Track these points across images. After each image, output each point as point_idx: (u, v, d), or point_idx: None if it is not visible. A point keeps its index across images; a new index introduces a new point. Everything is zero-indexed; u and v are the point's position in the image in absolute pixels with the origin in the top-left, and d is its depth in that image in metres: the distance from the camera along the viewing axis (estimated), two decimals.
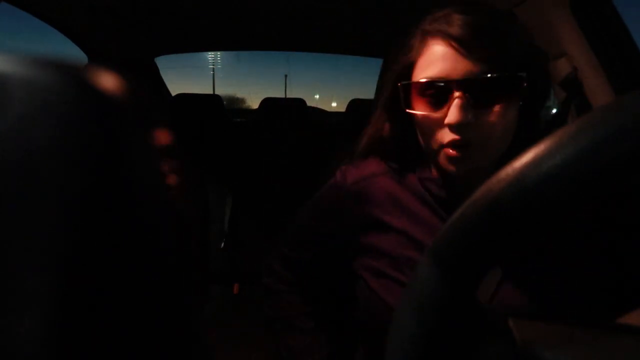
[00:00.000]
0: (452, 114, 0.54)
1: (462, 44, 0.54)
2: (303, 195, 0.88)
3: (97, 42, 1.81)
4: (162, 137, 0.17)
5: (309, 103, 2.48)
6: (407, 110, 0.61)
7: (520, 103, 0.57)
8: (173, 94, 2.45)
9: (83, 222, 0.13)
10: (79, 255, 0.13)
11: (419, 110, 0.59)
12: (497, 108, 0.55)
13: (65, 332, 0.13)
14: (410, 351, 0.28)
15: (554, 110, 1.03)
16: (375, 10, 1.59)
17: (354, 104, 2.27)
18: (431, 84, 0.57)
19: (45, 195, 0.13)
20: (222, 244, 1.98)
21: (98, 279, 0.13)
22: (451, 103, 0.55)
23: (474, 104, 0.55)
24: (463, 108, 0.54)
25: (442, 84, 0.56)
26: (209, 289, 1.92)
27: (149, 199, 0.15)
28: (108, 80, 0.15)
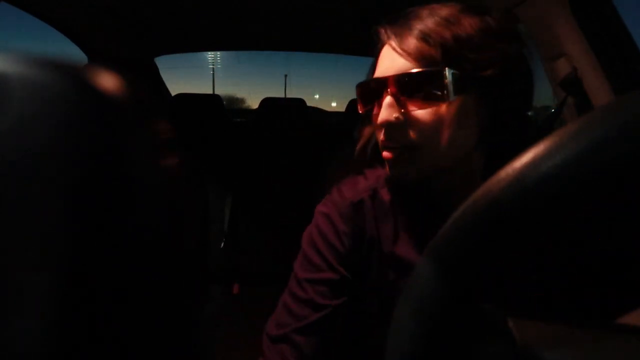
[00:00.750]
0: (379, 113, 0.53)
1: (396, 41, 0.53)
2: (303, 195, 0.87)
3: (97, 42, 1.81)
4: (162, 136, 0.17)
5: (309, 103, 2.47)
6: (360, 112, 0.60)
7: (483, 104, 0.53)
8: (173, 94, 2.45)
9: (83, 221, 0.13)
10: (79, 255, 0.13)
11: (361, 112, 0.59)
12: (430, 107, 0.52)
13: (65, 331, 0.13)
14: (409, 351, 0.28)
15: (554, 110, 1.03)
16: (375, 10, 1.59)
17: (354, 104, 2.27)
18: (367, 83, 0.57)
19: (45, 194, 0.13)
20: (222, 244, 1.98)
21: (98, 279, 0.13)
22: (380, 103, 0.54)
23: (405, 103, 0.52)
24: (390, 106, 0.52)
25: (374, 83, 0.55)
26: (209, 289, 1.92)
27: (149, 198, 0.15)
28: (108, 80, 0.15)
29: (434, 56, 0.51)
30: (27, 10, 1.43)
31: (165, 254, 0.15)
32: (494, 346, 0.27)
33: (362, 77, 0.62)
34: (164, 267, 0.15)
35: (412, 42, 0.52)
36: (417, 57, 0.52)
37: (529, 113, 0.60)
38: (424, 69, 0.51)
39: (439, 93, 0.51)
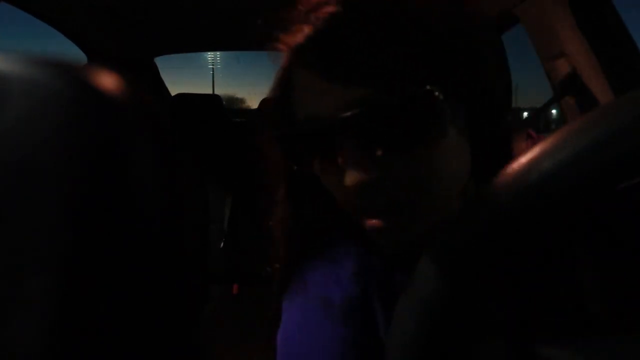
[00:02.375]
0: (347, 174, 0.34)
1: (324, 65, 0.34)
2: None
3: (96, 42, 1.81)
4: (162, 136, 0.17)
5: None
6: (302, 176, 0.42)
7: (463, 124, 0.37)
8: (172, 93, 2.45)
9: (83, 221, 0.13)
10: (79, 255, 0.13)
11: (312, 171, 0.40)
12: (417, 145, 0.35)
13: (65, 332, 0.13)
14: (410, 351, 0.28)
15: (554, 111, 1.03)
16: None
17: None
18: (295, 134, 0.38)
19: (45, 194, 0.13)
20: (222, 244, 1.98)
21: (98, 279, 0.13)
22: (338, 156, 0.35)
23: (379, 150, 0.35)
24: (358, 160, 0.34)
25: (313, 130, 0.37)
26: (208, 289, 1.92)
27: (148, 198, 0.15)
28: (107, 80, 0.15)
29: (407, 71, 0.33)
30: (27, 10, 1.43)
31: (165, 253, 0.15)
32: (495, 345, 0.27)
33: None
34: (164, 267, 0.15)
35: (358, 57, 0.33)
36: (376, 77, 0.33)
37: (525, 114, 0.55)
38: (398, 95, 0.33)
39: (429, 124, 0.34)
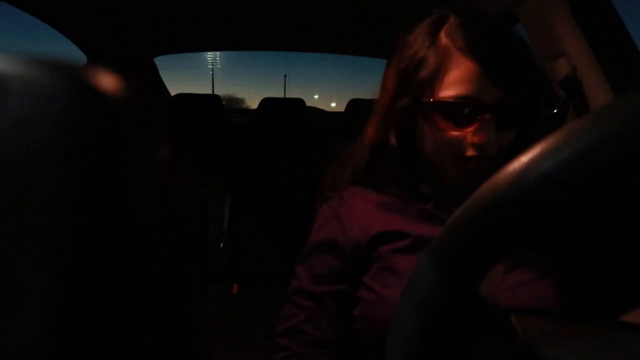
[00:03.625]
0: (480, 135, 0.57)
1: (491, 66, 0.56)
2: (302, 194, 0.86)
3: (96, 42, 1.81)
4: (161, 137, 0.17)
5: (308, 103, 2.48)
6: (427, 126, 0.61)
7: None
8: (172, 93, 2.45)
9: (82, 222, 0.13)
10: (79, 255, 0.13)
11: (442, 127, 0.59)
12: (512, 129, 0.60)
13: (65, 332, 0.13)
14: (411, 349, 0.28)
15: (555, 111, 1.03)
16: (375, 10, 1.59)
17: (353, 104, 2.27)
18: (461, 104, 0.57)
19: (44, 195, 0.13)
20: (222, 244, 1.98)
21: (97, 279, 0.13)
22: (478, 124, 0.57)
23: (497, 125, 0.57)
24: (490, 130, 0.57)
25: (473, 106, 0.57)
26: (208, 289, 1.92)
27: (148, 198, 0.15)
28: (107, 80, 0.15)
29: (526, 84, 0.57)
30: (26, 10, 1.43)
31: (164, 253, 0.15)
32: (496, 343, 0.27)
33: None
34: (164, 267, 0.15)
35: (506, 68, 0.56)
36: (513, 84, 0.56)
37: None
38: (526, 100, 0.58)
39: (530, 119, 0.60)
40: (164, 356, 0.15)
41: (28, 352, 0.12)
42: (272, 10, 1.65)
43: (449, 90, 0.58)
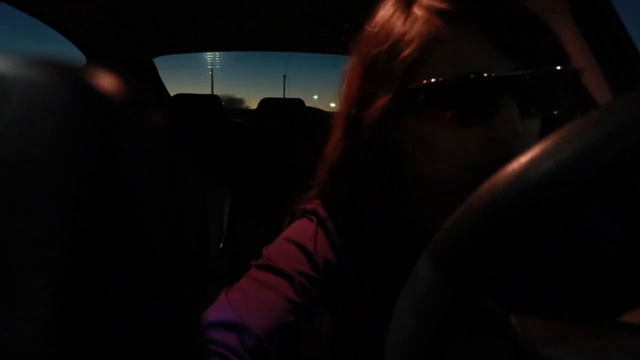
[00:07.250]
0: (505, 125, 0.40)
1: (495, 30, 0.40)
2: (302, 194, 0.86)
3: (95, 43, 1.81)
4: (161, 137, 0.17)
5: (308, 103, 2.48)
6: (420, 127, 0.44)
7: None
8: (172, 94, 2.45)
9: (82, 222, 0.13)
10: (78, 256, 0.13)
11: (445, 123, 0.42)
12: (538, 117, 0.43)
13: (64, 332, 0.13)
14: (410, 350, 0.28)
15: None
16: (375, 11, 1.59)
17: None
18: (472, 80, 0.40)
19: (44, 196, 0.13)
20: (222, 244, 1.98)
21: (97, 280, 0.13)
22: (501, 109, 0.40)
23: (520, 112, 0.41)
24: (516, 116, 0.40)
25: (487, 83, 0.40)
26: (208, 289, 1.92)
27: (148, 199, 0.15)
28: (106, 81, 0.15)
29: (550, 56, 0.42)
30: (26, 11, 1.43)
31: (164, 254, 0.15)
32: (496, 343, 0.27)
33: None
34: (164, 268, 0.15)
35: (523, 35, 0.41)
36: (534, 56, 0.41)
37: None
38: (561, 69, 0.41)
39: (564, 95, 0.43)
40: (164, 356, 0.15)
41: (28, 352, 0.12)
42: (271, 10, 1.65)
43: (443, 70, 0.41)
